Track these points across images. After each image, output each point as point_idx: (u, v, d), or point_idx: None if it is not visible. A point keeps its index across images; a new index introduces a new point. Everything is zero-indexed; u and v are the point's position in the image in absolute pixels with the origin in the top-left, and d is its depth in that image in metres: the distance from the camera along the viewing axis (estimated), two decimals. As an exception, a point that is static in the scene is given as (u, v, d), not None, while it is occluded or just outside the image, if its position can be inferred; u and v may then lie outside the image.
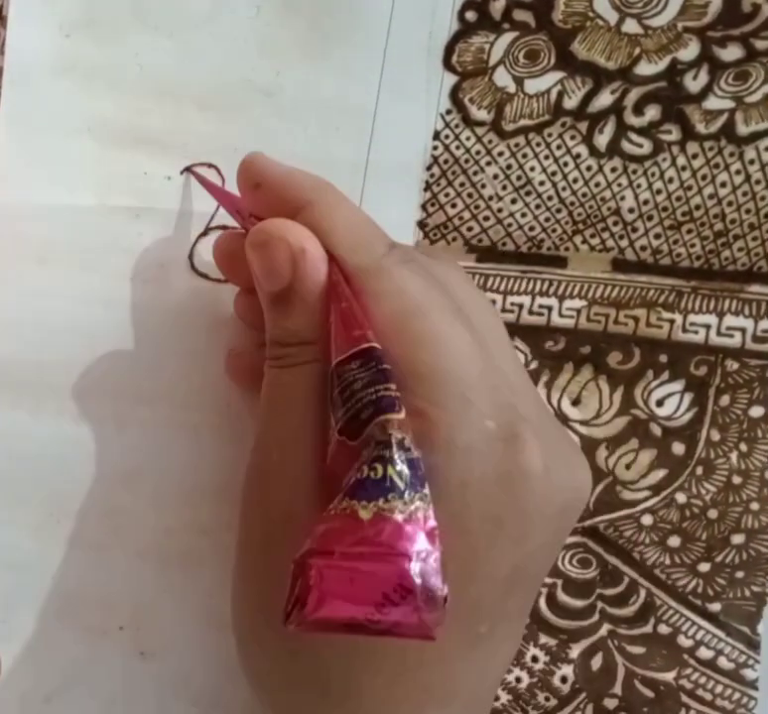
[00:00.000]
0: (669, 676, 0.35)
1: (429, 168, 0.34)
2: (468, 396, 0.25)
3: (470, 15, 0.33)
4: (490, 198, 0.34)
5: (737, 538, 0.34)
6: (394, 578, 0.20)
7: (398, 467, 0.21)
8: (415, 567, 0.20)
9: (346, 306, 0.25)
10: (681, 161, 0.34)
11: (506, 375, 0.27)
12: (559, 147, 0.34)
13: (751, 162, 0.33)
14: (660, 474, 0.35)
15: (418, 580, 0.20)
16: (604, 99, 0.33)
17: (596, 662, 0.35)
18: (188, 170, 0.34)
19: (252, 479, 0.29)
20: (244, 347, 0.33)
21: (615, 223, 0.34)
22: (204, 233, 0.34)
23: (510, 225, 0.34)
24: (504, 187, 0.34)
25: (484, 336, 0.27)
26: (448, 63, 0.34)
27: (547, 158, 0.34)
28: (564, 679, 0.35)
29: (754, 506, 0.34)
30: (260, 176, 0.28)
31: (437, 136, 0.34)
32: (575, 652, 0.35)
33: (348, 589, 0.20)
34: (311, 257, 0.26)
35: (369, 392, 0.23)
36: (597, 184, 0.34)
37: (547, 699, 0.35)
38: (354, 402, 0.24)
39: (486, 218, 0.34)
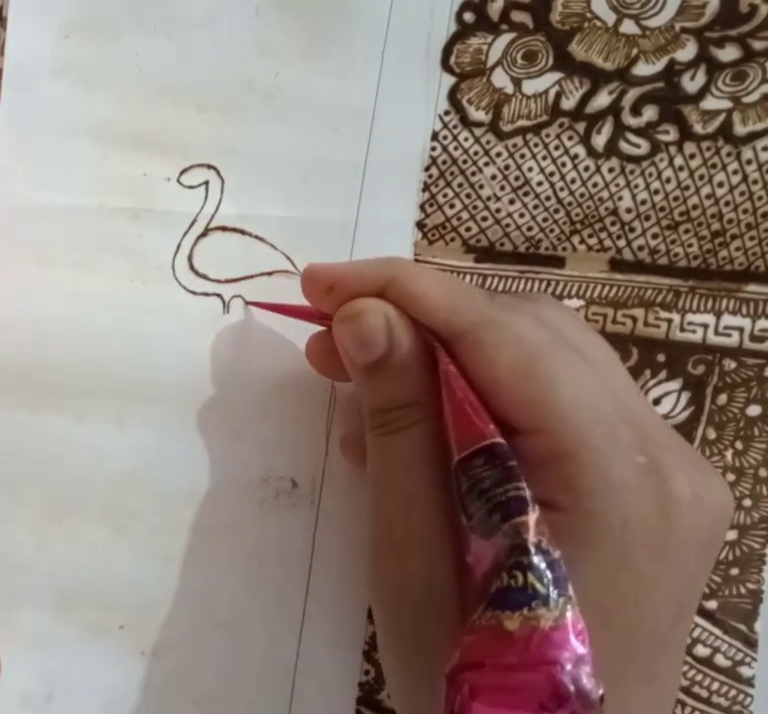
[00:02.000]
0: (666, 674, 0.35)
1: (427, 168, 0.34)
2: (613, 432, 0.25)
3: (468, 16, 0.33)
4: (488, 199, 0.34)
5: (730, 535, 0.34)
6: (548, 688, 0.20)
7: (538, 573, 0.21)
8: (567, 674, 0.20)
9: (463, 397, 0.25)
10: (678, 161, 0.34)
11: (633, 406, 0.26)
12: (557, 147, 0.34)
13: (748, 162, 0.33)
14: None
15: (571, 687, 0.20)
16: (602, 100, 0.33)
17: (594, 660, 0.35)
18: (248, 303, 0.34)
19: (381, 554, 0.28)
20: (356, 431, 0.32)
21: (613, 223, 0.34)
22: (204, 234, 0.34)
23: (508, 225, 0.34)
24: (502, 188, 0.34)
25: (605, 371, 0.27)
26: (446, 65, 0.34)
27: (545, 158, 0.34)
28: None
29: (747, 502, 0.34)
30: (330, 278, 0.29)
31: (435, 137, 0.34)
32: (573, 650, 0.35)
33: (503, 702, 0.21)
34: (405, 321, 0.27)
35: (498, 492, 0.23)
36: (595, 185, 0.34)
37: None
38: (484, 501, 0.23)
39: (484, 219, 0.34)
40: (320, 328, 0.32)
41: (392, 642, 0.27)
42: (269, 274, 0.34)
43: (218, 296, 0.34)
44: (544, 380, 0.25)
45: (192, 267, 0.34)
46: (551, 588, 0.21)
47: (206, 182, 0.34)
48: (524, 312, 0.27)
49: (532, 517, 0.22)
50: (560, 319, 0.28)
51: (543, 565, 0.21)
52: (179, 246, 0.34)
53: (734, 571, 0.34)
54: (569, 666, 0.20)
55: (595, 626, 0.24)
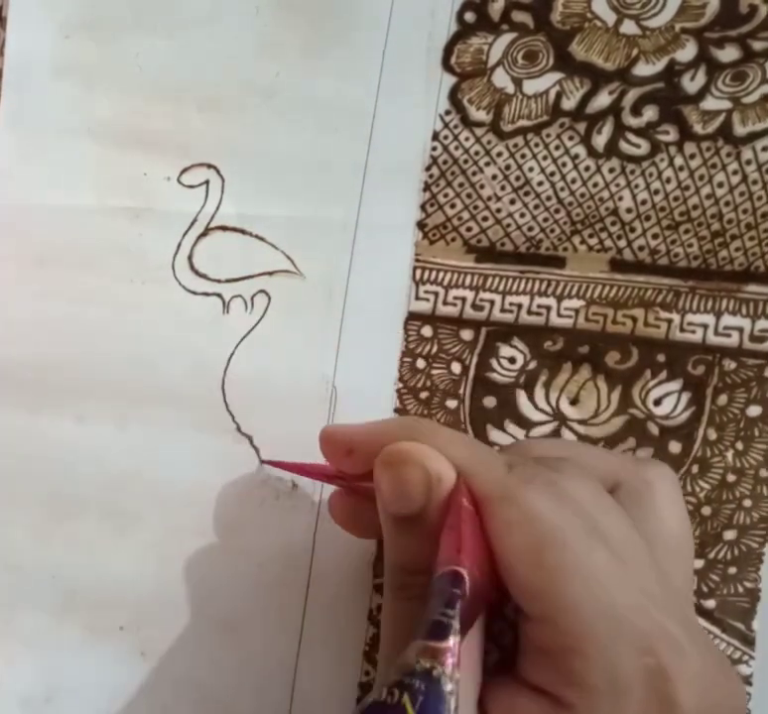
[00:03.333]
0: (666, 673, 0.35)
1: (428, 168, 0.34)
2: (622, 629, 0.23)
3: (469, 16, 0.33)
4: (489, 199, 0.34)
5: (729, 535, 0.34)
6: None
7: (415, 696, 0.21)
8: None
9: (450, 526, 0.25)
10: (678, 161, 0.34)
11: (661, 599, 0.25)
12: (557, 147, 0.34)
13: (748, 162, 0.33)
14: (656, 472, 0.35)
15: None
16: (602, 100, 0.33)
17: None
18: (264, 462, 0.34)
19: None
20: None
21: (613, 223, 0.34)
22: (204, 233, 0.34)
23: (509, 225, 0.34)
24: (503, 188, 0.34)
25: (624, 550, 0.25)
26: (446, 64, 0.34)
27: (545, 158, 0.34)
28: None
29: (747, 503, 0.35)
30: (348, 442, 0.28)
31: (436, 137, 0.34)
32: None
33: None
34: (447, 486, 0.25)
35: (431, 610, 0.23)
36: (595, 185, 0.34)
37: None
38: (426, 614, 0.23)
39: (485, 219, 0.34)
40: None
41: None
42: (269, 274, 0.34)
43: (218, 295, 0.34)
44: (552, 570, 0.24)
45: (192, 266, 0.34)
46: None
47: (207, 182, 0.34)
48: (543, 485, 0.25)
49: (442, 644, 0.22)
50: (582, 492, 0.26)
51: (424, 690, 0.21)
52: (179, 246, 0.34)
53: (732, 570, 0.34)
54: None
55: None
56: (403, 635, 0.26)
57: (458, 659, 0.22)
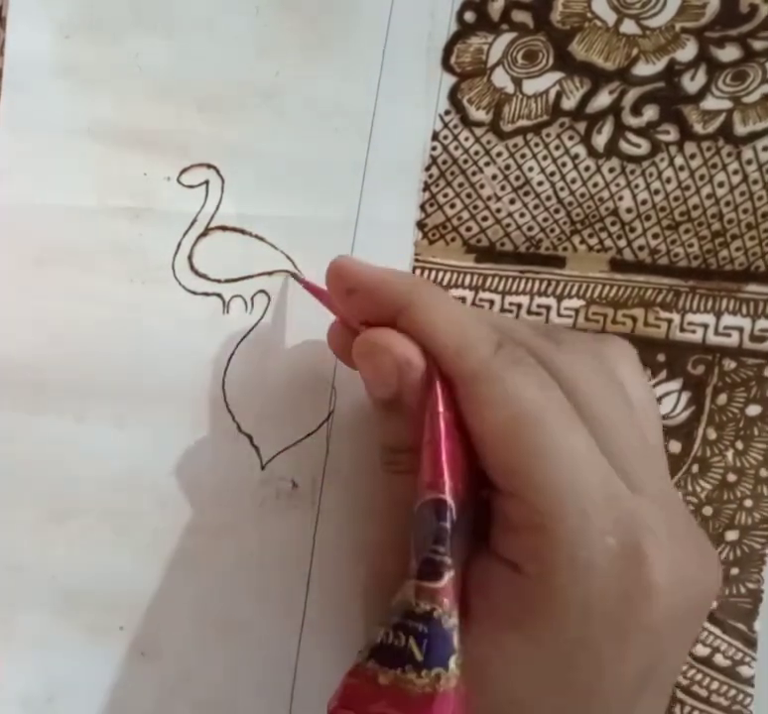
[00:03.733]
0: (666, 674, 0.35)
1: (427, 168, 0.34)
2: (588, 510, 0.24)
3: (469, 16, 0.33)
4: (489, 199, 0.34)
5: (731, 535, 0.34)
6: None
7: (420, 640, 0.22)
8: None
9: (429, 442, 0.25)
10: (678, 161, 0.34)
11: (631, 474, 0.26)
12: (557, 147, 0.34)
13: (749, 162, 0.33)
14: (656, 472, 0.35)
15: None
16: (602, 100, 0.33)
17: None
18: (291, 276, 0.34)
19: (372, 585, 0.29)
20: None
21: (613, 223, 0.34)
22: (204, 233, 0.34)
23: (508, 225, 0.34)
24: (503, 188, 0.34)
25: (607, 431, 0.26)
26: (446, 64, 0.34)
27: (545, 158, 0.34)
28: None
29: (748, 503, 0.35)
30: (353, 281, 0.28)
31: (435, 136, 0.34)
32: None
33: None
34: (416, 369, 0.26)
35: (421, 548, 0.23)
36: (595, 185, 0.34)
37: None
38: (415, 552, 0.24)
39: (485, 218, 0.34)
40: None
41: None
42: (269, 274, 0.34)
43: (218, 295, 0.34)
44: (526, 448, 0.24)
45: (192, 267, 0.34)
46: (429, 657, 0.22)
47: (207, 182, 0.34)
48: (530, 366, 0.26)
49: (435, 584, 0.22)
50: (576, 370, 0.27)
51: (427, 633, 0.22)
52: (179, 246, 0.34)
53: (735, 571, 0.34)
54: None
55: (549, 691, 0.25)
56: (395, 502, 0.27)
57: (455, 593, 0.23)
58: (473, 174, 0.34)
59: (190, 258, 0.34)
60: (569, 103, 0.34)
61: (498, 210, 0.34)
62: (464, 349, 0.26)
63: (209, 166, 0.34)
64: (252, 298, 0.34)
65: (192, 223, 0.34)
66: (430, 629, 0.22)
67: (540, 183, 0.34)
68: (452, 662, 0.22)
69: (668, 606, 0.24)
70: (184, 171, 0.34)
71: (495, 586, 0.25)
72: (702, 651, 0.35)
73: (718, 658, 0.35)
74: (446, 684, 0.22)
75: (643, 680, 0.25)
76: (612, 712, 0.25)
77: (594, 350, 0.28)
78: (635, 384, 0.28)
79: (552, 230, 0.34)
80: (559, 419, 0.25)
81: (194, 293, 0.34)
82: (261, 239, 0.34)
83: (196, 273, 0.34)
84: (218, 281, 0.34)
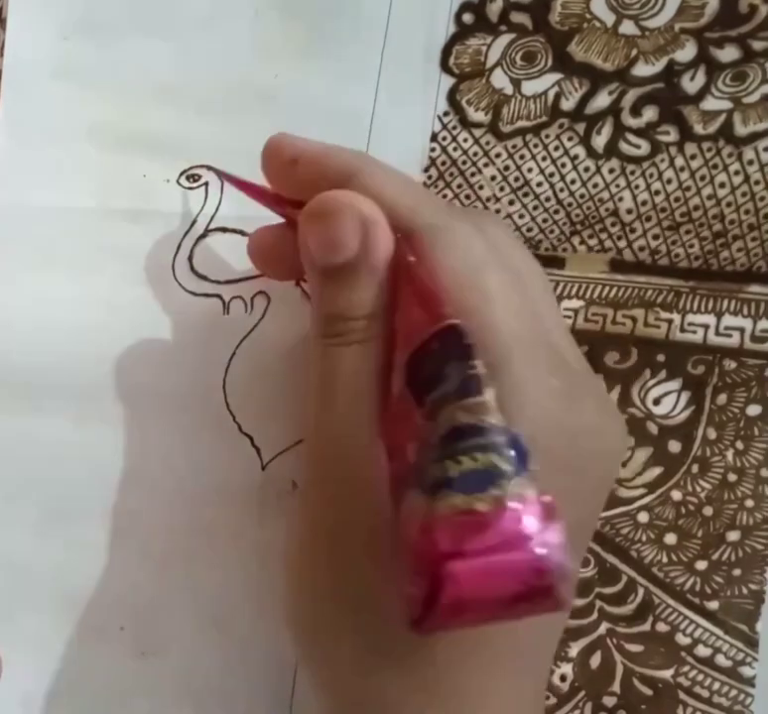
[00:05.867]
0: (667, 674, 0.35)
1: (426, 169, 0.34)
2: (533, 354, 0.25)
3: (467, 17, 0.33)
4: (488, 200, 0.34)
5: (733, 536, 0.34)
6: (527, 563, 0.20)
7: (500, 452, 0.21)
8: (542, 547, 0.20)
9: (422, 285, 0.25)
10: (679, 162, 0.34)
11: (554, 331, 0.27)
12: (556, 148, 0.34)
13: (750, 162, 0.33)
14: (656, 472, 0.35)
15: (549, 559, 0.20)
16: (602, 100, 0.33)
17: (595, 661, 0.35)
18: (210, 169, 0.34)
19: (316, 468, 0.27)
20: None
21: (613, 224, 0.34)
22: (204, 235, 0.34)
23: (508, 226, 0.34)
24: (502, 189, 0.34)
25: (534, 296, 0.27)
26: (445, 65, 0.34)
27: (544, 159, 0.34)
28: (563, 678, 0.35)
29: (749, 503, 0.34)
30: (296, 150, 0.28)
31: (434, 138, 0.34)
32: (573, 650, 0.35)
33: (486, 585, 0.20)
34: (383, 227, 0.26)
35: (455, 372, 0.22)
36: (595, 185, 0.34)
37: (546, 698, 0.35)
38: (441, 383, 0.23)
39: (484, 219, 0.34)
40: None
41: (314, 552, 0.28)
42: (269, 274, 0.34)
43: (218, 296, 0.34)
44: (483, 293, 0.25)
45: (192, 268, 0.34)
46: (514, 465, 0.21)
47: (206, 184, 0.34)
48: (473, 224, 0.27)
49: (490, 396, 0.22)
50: (501, 239, 0.28)
51: (502, 441, 0.21)
52: (179, 247, 0.34)
53: (737, 572, 0.34)
54: (544, 539, 0.20)
55: None
56: (337, 379, 0.26)
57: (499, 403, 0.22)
58: (472, 175, 0.34)
59: (189, 259, 0.34)
60: (568, 104, 0.34)
61: (497, 211, 0.34)
62: (418, 205, 0.27)
63: (209, 167, 0.34)
64: (252, 300, 0.34)
65: (192, 224, 0.34)
66: (505, 436, 0.21)
67: (539, 184, 0.34)
68: (534, 465, 0.21)
69: (597, 449, 0.26)
70: (183, 172, 0.34)
71: None
72: (703, 651, 0.35)
73: (720, 659, 0.34)
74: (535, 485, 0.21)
75: (574, 535, 0.25)
76: None
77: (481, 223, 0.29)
78: (522, 255, 0.29)
79: (551, 231, 0.34)
80: (503, 272, 0.26)
81: (194, 294, 0.34)
82: (261, 240, 0.34)
83: (196, 274, 0.34)
84: (218, 282, 0.34)
